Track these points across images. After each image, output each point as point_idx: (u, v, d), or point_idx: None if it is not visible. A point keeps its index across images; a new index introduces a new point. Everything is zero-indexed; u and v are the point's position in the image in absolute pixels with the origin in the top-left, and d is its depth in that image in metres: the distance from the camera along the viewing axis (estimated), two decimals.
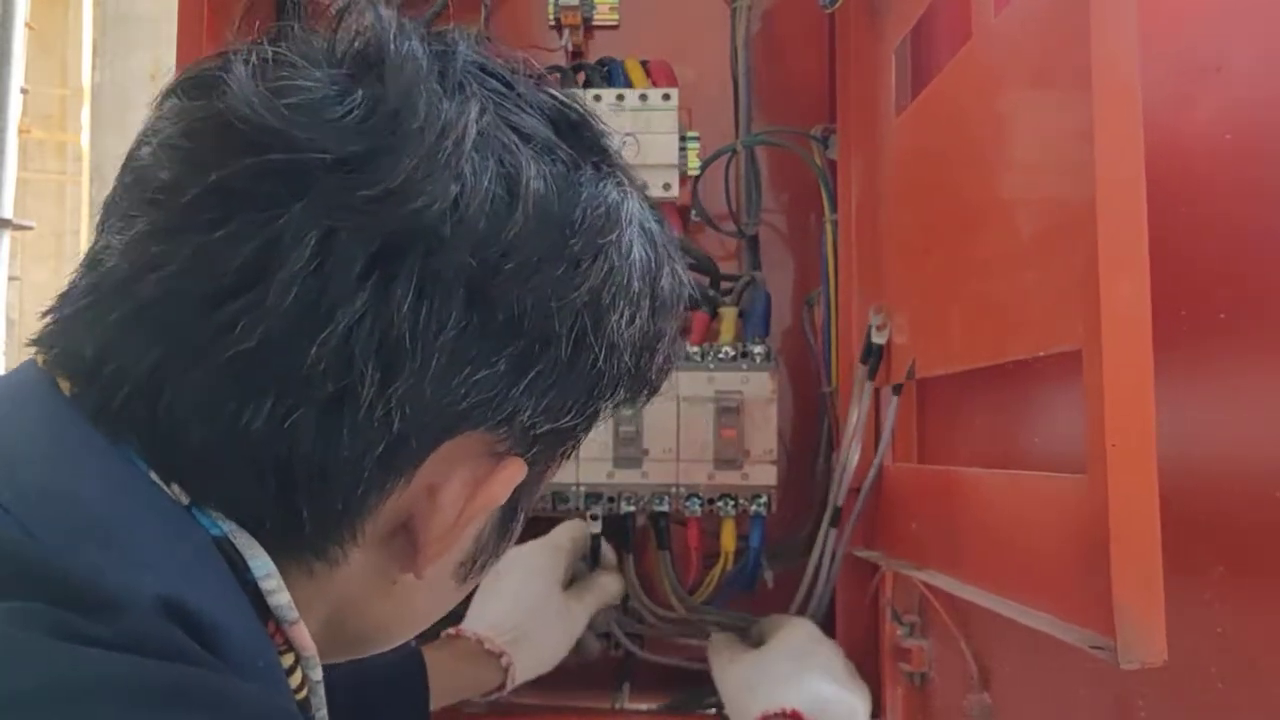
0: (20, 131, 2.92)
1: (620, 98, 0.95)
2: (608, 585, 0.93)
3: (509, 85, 0.42)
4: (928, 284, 0.81)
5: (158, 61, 4.05)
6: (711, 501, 0.93)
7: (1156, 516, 0.48)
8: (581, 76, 1.00)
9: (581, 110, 0.44)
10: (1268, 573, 0.55)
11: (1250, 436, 0.57)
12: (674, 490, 0.92)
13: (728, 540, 0.94)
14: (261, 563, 0.38)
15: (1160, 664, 0.47)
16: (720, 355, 0.93)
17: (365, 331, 0.36)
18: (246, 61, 0.39)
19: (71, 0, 4.48)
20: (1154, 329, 0.49)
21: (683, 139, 0.96)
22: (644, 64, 0.99)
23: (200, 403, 0.36)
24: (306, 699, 0.40)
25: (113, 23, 4.29)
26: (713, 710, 0.95)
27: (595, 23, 1.02)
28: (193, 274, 0.36)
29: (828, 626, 0.95)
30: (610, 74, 0.99)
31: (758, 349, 0.94)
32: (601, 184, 0.42)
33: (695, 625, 0.95)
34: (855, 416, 0.89)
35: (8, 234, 2.93)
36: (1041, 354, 0.59)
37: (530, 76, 0.44)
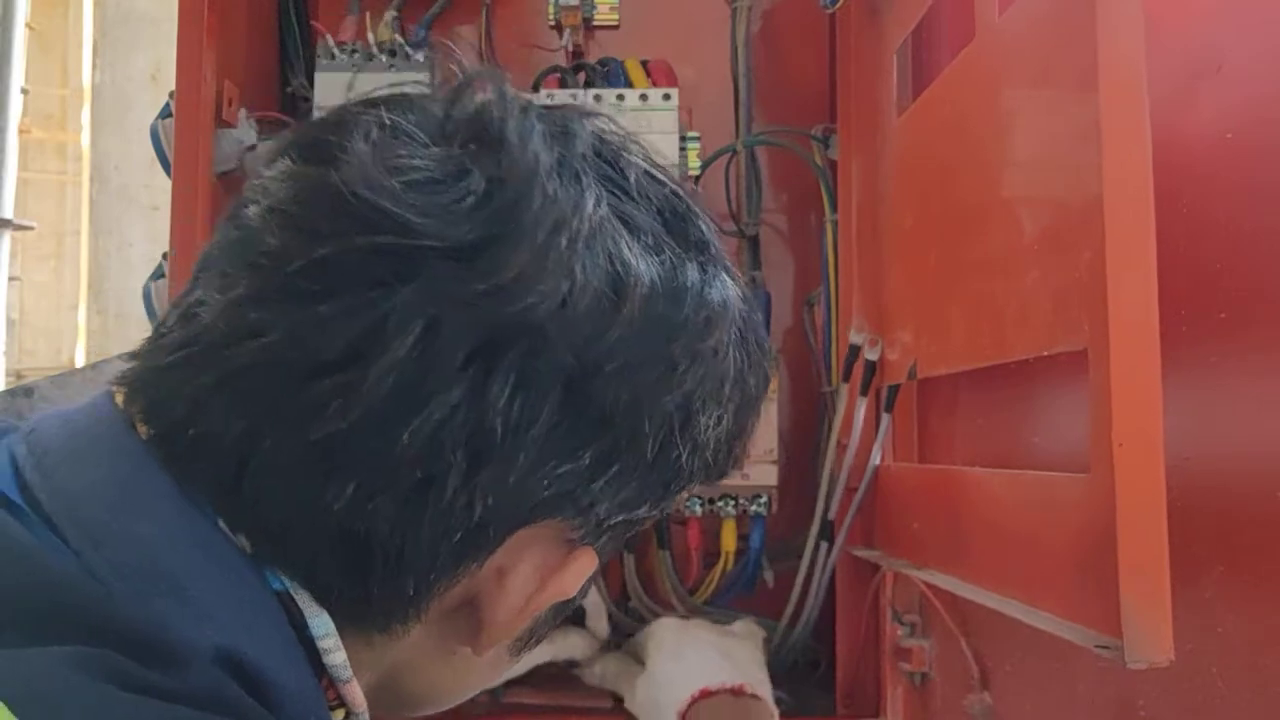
0: (20, 131, 2.92)
1: (620, 98, 0.95)
2: (575, 642, 0.91)
3: (622, 172, 0.41)
4: (929, 284, 0.81)
5: (158, 61, 4.04)
6: (712, 501, 0.93)
7: (1164, 516, 0.48)
8: (582, 76, 1.00)
9: (688, 200, 0.44)
10: (1268, 573, 0.55)
11: (1251, 436, 0.57)
12: None
13: (728, 540, 0.94)
14: (321, 621, 0.38)
15: (1167, 664, 0.47)
16: None
17: (458, 422, 0.36)
18: (365, 133, 0.38)
19: (71, 0, 4.48)
20: (1158, 328, 0.49)
21: (683, 139, 0.96)
22: (644, 64, 0.99)
23: (284, 478, 0.36)
24: None
25: (113, 23, 4.28)
26: None
27: (595, 23, 1.02)
28: (292, 347, 0.36)
29: (828, 627, 0.95)
30: (610, 74, 0.99)
31: None
32: (705, 286, 0.42)
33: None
34: (841, 423, 0.89)
35: (8, 234, 2.93)
36: (1045, 353, 0.59)
37: (637, 152, 0.43)
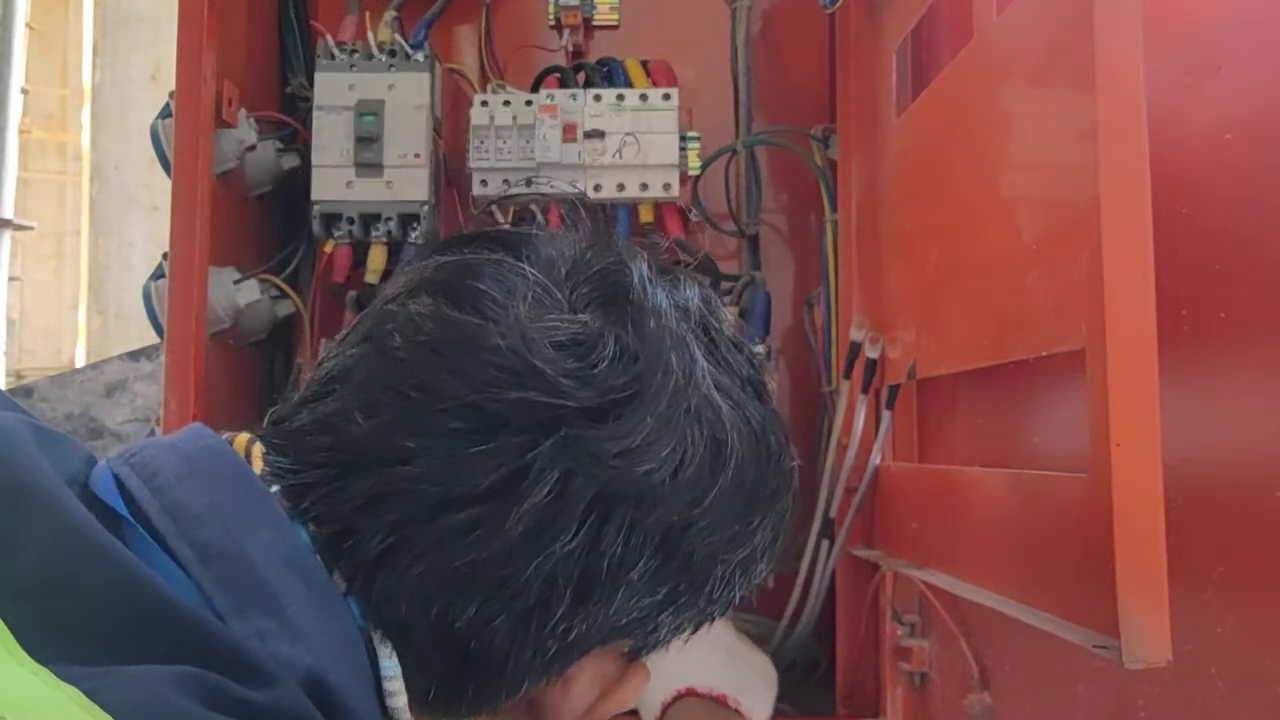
0: (20, 131, 2.92)
1: (620, 98, 0.95)
2: None
3: (714, 340, 0.46)
4: (928, 284, 0.81)
5: (158, 61, 4.04)
6: None
7: (1161, 516, 0.48)
8: (581, 76, 1.00)
9: (757, 365, 0.49)
10: (1268, 573, 0.55)
11: (1250, 436, 0.57)
12: None
13: None
14: (391, 664, 0.41)
15: (1164, 664, 0.47)
16: None
17: (574, 562, 0.40)
18: (522, 295, 0.42)
19: (71, 0, 4.48)
20: (1156, 329, 0.49)
21: (683, 139, 0.96)
22: (644, 64, 0.99)
23: (414, 593, 0.40)
24: None
25: (113, 23, 4.28)
26: None
27: (595, 23, 1.02)
28: (439, 480, 0.39)
29: (828, 627, 0.95)
30: (610, 74, 0.99)
31: (758, 349, 0.94)
32: (781, 454, 0.48)
33: None
34: (841, 423, 0.89)
35: (8, 234, 2.93)
36: (1044, 354, 0.59)
37: (720, 313, 0.48)
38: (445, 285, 0.44)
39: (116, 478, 0.40)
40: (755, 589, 0.51)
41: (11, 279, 3.22)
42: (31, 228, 3.09)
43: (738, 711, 0.73)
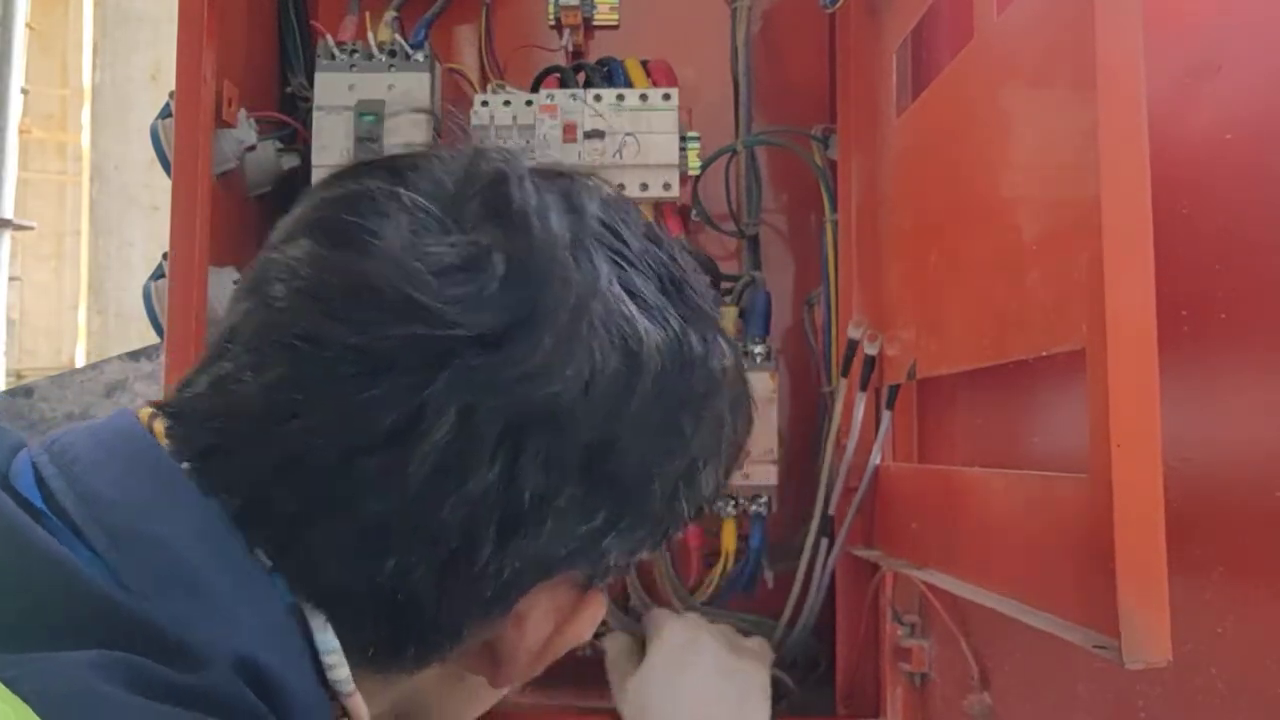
0: (20, 131, 2.92)
1: (620, 98, 0.95)
2: None
3: (624, 241, 0.44)
4: (928, 284, 0.81)
5: (158, 61, 4.04)
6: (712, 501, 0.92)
7: (1161, 516, 0.48)
8: (581, 76, 1.00)
9: (682, 263, 0.46)
10: (1268, 573, 0.55)
11: (1250, 436, 0.57)
12: None
13: (728, 540, 0.94)
14: (327, 638, 0.39)
15: (1164, 664, 0.47)
16: None
17: (491, 499, 0.38)
18: (394, 222, 0.40)
19: (71, 0, 4.48)
20: (1156, 329, 0.49)
21: (683, 139, 0.95)
22: (644, 64, 0.99)
23: (331, 553, 0.39)
24: None
25: (113, 23, 4.28)
26: None
27: (595, 23, 1.01)
28: (335, 432, 0.38)
29: (828, 627, 0.95)
30: (610, 74, 0.99)
31: (758, 349, 0.94)
32: (707, 355, 0.44)
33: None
34: (838, 421, 0.89)
35: (8, 234, 2.93)
36: (1044, 354, 0.59)
37: (634, 215, 0.46)
38: (321, 224, 0.42)
39: (35, 466, 0.39)
40: (715, 501, 0.49)
41: (11, 279, 3.22)
42: (31, 228, 3.09)
43: None
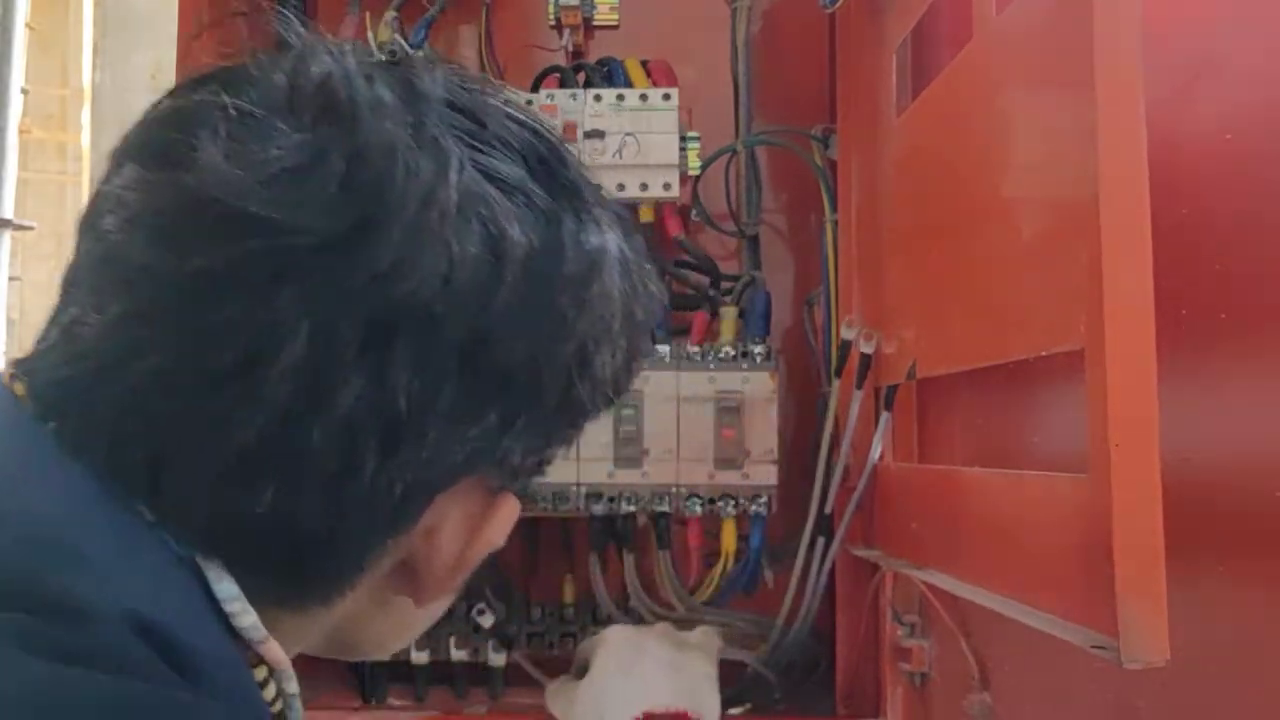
0: (20, 131, 2.91)
1: (620, 98, 0.95)
2: None
3: (480, 123, 0.41)
4: (928, 284, 0.81)
5: (158, 61, 4.03)
6: (712, 501, 0.93)
7: (1159, 516, 0.48)
8: (581, 76, 1.00)
9: (550, 139, 0.43)
10: (1267, 573, 0.55)
11: (1250, 436, 0.57)
12: (674, 490, 0.92)
13: (728, 540, 0.94)
14: (226, 586, 0.37)
15: (1163, 664, 0.47)
16: (720, 355, 0.93)
17: (365, 411, 0.36)
18: (212, 128, 0.37)
19: (71, 0, 4.48)
20: (1155, 329, 0.49)
21: (683, 139, 0.96)
22: (644, 64, 0.99)
23: (203, 492, 0.36)
24: (282, 713, 0.40)
25: (113, 23, 4.28)
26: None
27: (595, 23, 1.01)
28: (184, 363, 0.36)
29: (828, 627, 0.95)
30: (610, 74, 0.99)
31: (758, 349, 0.94)
32: (581, 232, 0.42)
33: (696, 625, 0.95)
34: (831, 421, 0.89)
35: (8, 234, 2.93)
36: (1043, 354, 0.59)
37: (493, 95, 0.42)
38: (146, 147, 0.39)
39: None
40: (624, 385, 0.46)
41: (11, 279, 3.21)
42: (31, 228, 3.09)
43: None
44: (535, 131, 0.42)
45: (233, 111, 0.37)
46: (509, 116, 0.42)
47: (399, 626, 0.47)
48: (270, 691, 0.39)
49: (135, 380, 0.36)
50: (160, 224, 0.37)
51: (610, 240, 0.43)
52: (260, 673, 0.39)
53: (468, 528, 0.43)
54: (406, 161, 0.37)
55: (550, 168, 0.42)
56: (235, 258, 0.35)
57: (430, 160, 0.38)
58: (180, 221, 0.36)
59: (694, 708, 0.74)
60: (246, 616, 0.37)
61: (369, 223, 0.36)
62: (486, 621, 0.95)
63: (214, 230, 0.35)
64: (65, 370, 0.37)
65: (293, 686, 0.40)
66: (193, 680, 0.34)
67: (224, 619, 0.37)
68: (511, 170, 0.40)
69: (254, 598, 0.38)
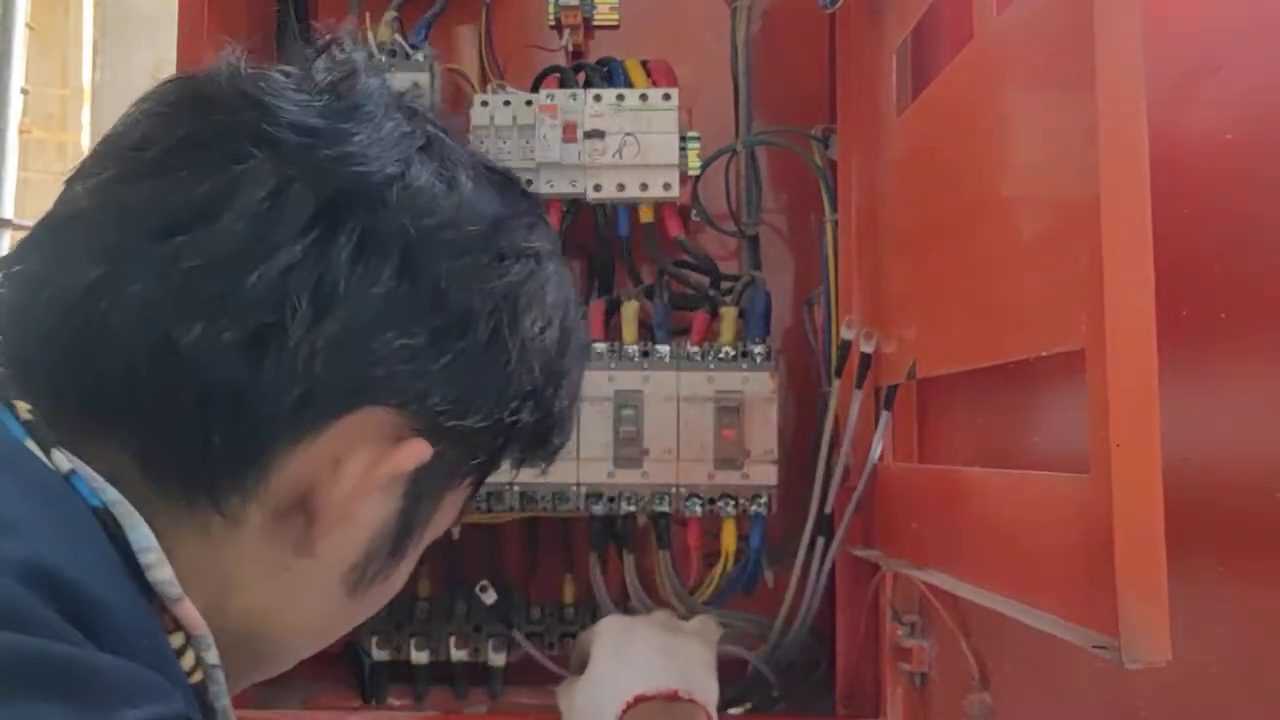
0: (20, 131, 2.92)
1: (620, 98, 0.95)
2: None
3: (451, 140, 0.47)
4: (928, 284, 0.81)
5: (158, 61, 4.03)
6: (712, 501, 0.93)
7: (1160, 516, 0.48)
8: (581, 76, 1.00)
9: (499, 172, 0.49)
10: (1267, 573, 0.55)
11: (1251, 436, 0.57)
12: (674, 490, 0.92)
13: (728, 540, 0.94)
14: (142, 534, 0.37)
15: (1164, 664, 0.47)
16: (720, 355, 0.93)
17: (304, 272, 0.39)
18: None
19: (71, 0, 4.48)
20: (1155, 329, 0.49)
21: (683, 139, 0.95)
22: (644, 64, 0.99)
23: (135, 317, 0.38)
24: (203, 684, 0.39)
25: (113, 23, 4.28)
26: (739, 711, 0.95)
27: (595, 23, 1.01)
28: (149, 204, 0.39)
29: (827, 626, 0.95)
30: (610, 74, 0.99)
31: (758, 349, 0.94)
32: (532, 234, 0.47)
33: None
34: (831, 421, 0.89)
35: (8, 233, 2.93)
36: (1044, 354, 0.59)
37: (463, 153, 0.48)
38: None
39: None
40: (562, 409, 0.49)
41: None
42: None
43: (691, 700, 0.73)
44: (489, 165, 0.49)
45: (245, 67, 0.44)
46: (485, 163, 0.48)
47: (290, 601, 0.45)
48: (189, 660, 0.39)
49: (100, 222, 0.39)
50: (163, 108, 0.42)
51: (554, 259, 0.49)
52: (177, 639, 0.38)
53: (373, 465, 0.42)
54: (387, 109, 0.44)
55: (503, 185, 0.48)
56: (222, 126, 0.40)
57: (407, 118, 0.45)
58: (183, 103, 0.42)
59: (686, 688, 0.73)
60: (162, 569, 0.37)
61: (347, 118, 0.42)
62: (489, 598, 0.94)
63: (212, 107, 0.41)
64: (43, 226, 0.41)
65: (213, 656, 0.40)
66: (102, 636, 0.33)
67: (138, 575, 0.37)
68: (472, 164, 0.46)
69: (154, 497, 0.38)
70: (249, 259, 0.38)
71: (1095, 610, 0.50)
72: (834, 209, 0.98)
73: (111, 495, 0.37)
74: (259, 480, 0.40)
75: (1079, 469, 0.53)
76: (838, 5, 0.90)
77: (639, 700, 0.73)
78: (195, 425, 0.39)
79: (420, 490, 0.46)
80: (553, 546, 1.03)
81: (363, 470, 0.42)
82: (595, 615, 0.98)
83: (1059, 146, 0.57)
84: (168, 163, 0.40)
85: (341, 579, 0.46)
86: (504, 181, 0.48)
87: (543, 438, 0.51)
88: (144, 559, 0.37)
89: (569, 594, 1.01)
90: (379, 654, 0.98)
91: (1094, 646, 0.49)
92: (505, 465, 0.51)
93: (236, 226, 0.38)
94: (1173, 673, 0.49)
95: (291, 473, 0.41)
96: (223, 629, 0.41)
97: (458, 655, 0.97)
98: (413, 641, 0.97)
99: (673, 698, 0.73)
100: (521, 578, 1.02)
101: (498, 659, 0.98)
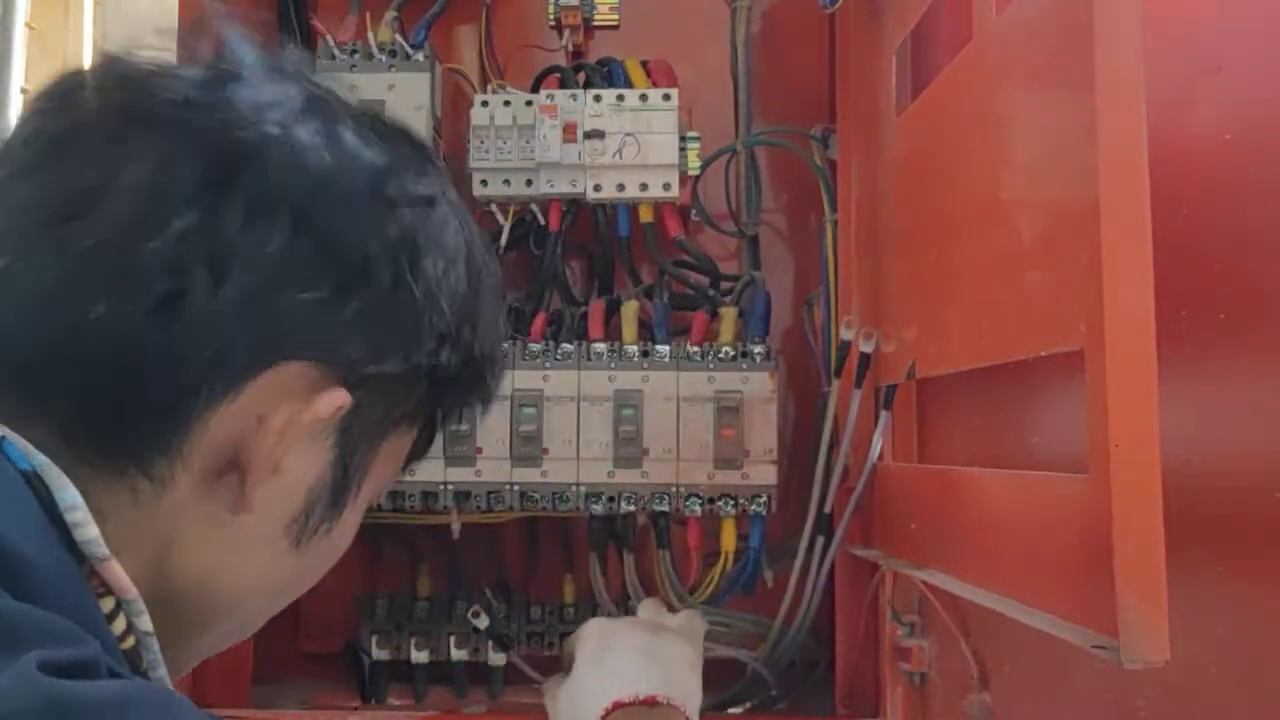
0: None
1: (620, 98, 0.95)
2: None
3: (332, 96, 0.47)
4: (928, 284, 0.81)
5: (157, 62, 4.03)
6: (711, 501, 0.93)
7: (1160, 516, 0.48)
8: (581, 76, 1.00)
9: (389, 124, 0.49)
10: (1268, 573, 0.55)
11: (1250, 436, 0.57)
12: (674, 490, 0.92)
13: (728, 540, 0.94)
14: (69, 495, 0.38)
15: (1163, 663, 0.47)
16: (720, 355, 0.93)
17: (198, 240, 0.40)
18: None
19: (71, 0, 4.48)
20: (1155, 329, 0.49)
21: (683, 139, 0.96)
22: (644, 64, 0.99)
23: (43, 301, 0.39)
24: (136, 651, 0.40)
25: (113, 23, 4.28)
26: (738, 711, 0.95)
27: (595, 23, 1.01)
28: (41, 195, 0.40)
29: (827, 626, 0.95)
30: (610, 74, 0.99)
31: (758, 349, 0.94)
32: (421, 178, 0.48)
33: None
34: (830, 421, 0.89)
35: None
36: (1043, 354, 0.59)
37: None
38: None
39: None
40: (484, 348, 0.50)
41: None
42: None
43: (670, 704, 0.72)
44: (384, 118, 0.49)
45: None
46: (379, 118, 0.49)
47: (236, 558, 0.45)
48: (120, 625, 0.39)
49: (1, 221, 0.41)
50: (45, 104, 0.44)
51: (448, 197, 0.49)
52: (107, 603, 0.39)
53: (295, 417, 0.43)
54: (264, 69, 0.45)
55: (396, 134, 0.49)
56: (105, 111, 0.42)
57: (284, 80, 0.45)
58: (67, 92, 0.43)
59: (665, 692, 0.73)
60: (89, 529, 0.38)
61: (226, 85, 0.43)
62: (481, 623, 0.95)
63: (94, 93, 0.43)
64: None
65: (145, 623, 0.40)
66: (25, 594, 0.33)
67: (67, 538, 0.37)
68: (355, 126, 0.46)
69: (81, 465, 0.39)
70: (142, 232, 0.39)
71: (1094, 610, 0.50)
72: (834, 209, 0.98)
73: (41, 460, 0.38)
74: (183, 442, 0.41)
75: (1078, 469, 0.53)
76: (838, 5, 0.90)
77: (617, 706, 0.72)
78: (111, 396, 0.40)
79: (352, 440, 0.46)
80: (553, 546, 1.03)
81: (285, 422, 0.43)
82: (595, 615, 0.98)
83: (1058, 147, 0.57)
84: (55, 152, 0.41)
85: (284, 530, 0.46)
86: (391, 132, 0.48)
87: (474, 381, 0.51)
88: (70, 517, 0.37)
89: (569, 594, 1.01)
90: (379, 653, 0.98)
91: (1093, 646, 0.49)
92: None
93: (126, 203, 0.39)
94: (1172, 672, 0.49)
95: (216, 433, 0.41)
96: (168, 591, 0.42)
97: (458, 655, 0.97)
98: (413, 641, 0.97)
99: (651, 703, 0.73)
100: (521, 578, 1.02)
101: (497, 659, 0.98)
